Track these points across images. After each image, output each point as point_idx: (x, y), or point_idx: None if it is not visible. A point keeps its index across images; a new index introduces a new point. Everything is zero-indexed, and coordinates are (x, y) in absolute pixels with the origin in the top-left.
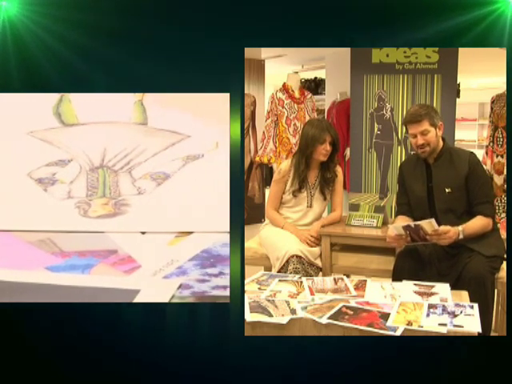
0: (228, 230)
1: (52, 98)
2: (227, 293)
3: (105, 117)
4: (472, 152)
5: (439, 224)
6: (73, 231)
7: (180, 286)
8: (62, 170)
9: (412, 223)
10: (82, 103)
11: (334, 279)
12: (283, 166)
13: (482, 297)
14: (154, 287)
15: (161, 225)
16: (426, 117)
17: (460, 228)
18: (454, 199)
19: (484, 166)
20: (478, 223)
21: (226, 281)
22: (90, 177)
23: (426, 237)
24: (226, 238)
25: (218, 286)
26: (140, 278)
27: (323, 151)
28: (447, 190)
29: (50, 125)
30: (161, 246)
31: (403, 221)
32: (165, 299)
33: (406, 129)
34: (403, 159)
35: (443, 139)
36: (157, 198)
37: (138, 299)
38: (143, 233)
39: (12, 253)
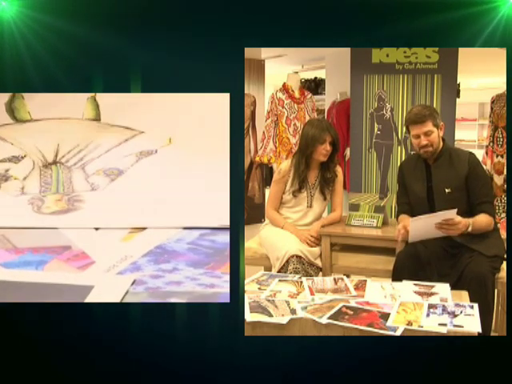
0: (181, 225)
1: (5, 94)
2: (182, 288)
3: (58, 113)
4: (471, 152)
5: None
6: (26, 227)
7: (134, 282)
8: (16, 167)
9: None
10: (35, 99)
11: (334, 279)
12: (283, 166)
13: (482, 297)
14: (107, 283)
15: (114, 221)
16: (429, 117)
17: (470, 221)
18: (453, 199)
19: (484, 166)
20: (484, 220)
21: (180, 276)
22: (44, 173)
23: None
24: (180, 233)
25: (172, 282)
26: (94, 274)
27: (323, 151)
28: (447, 191)
29: (3, 121)
30: (114, 241)
31: (407, 219)
32: (119, 295)
33: (408, 130)
34: (403, 159)
35: (443, 139)
36: (110, 193)
37: (91, 295)
38: (97, 229)
39: None
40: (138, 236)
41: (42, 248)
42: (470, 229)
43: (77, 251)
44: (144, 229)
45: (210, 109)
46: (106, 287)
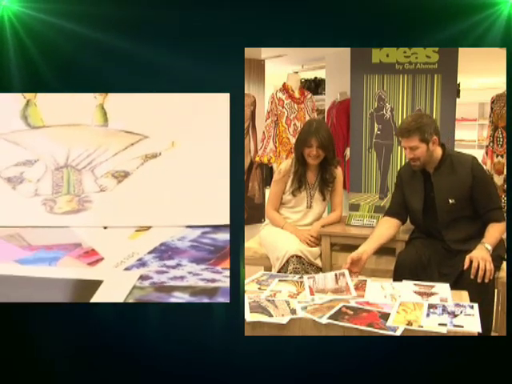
0: (184, 224)
1: (18, 100)
2: (185, 283)
3: (69, 119)
4: (474, 157)
5: (440, 233)
6: (40, 226)
7: (140, 277)
8: (29, 170)
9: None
10: (47, 106)
11: (336, 275)
12: (283, 166)
13: (482, 297)
14: (116, 278)
15: (122, 220)
16: (415, 132)
17: (488, 247)
18: (457, 209)
19: (484, 166)
20: (497, 229)
21: (183, 272)
22: (56, 176)
23: None
24: (183, 231)
25: (175, 277)
26: (103, 270)
27: (311, 155)
28: (451, 201)
29: (18, 127)
30: (122, 239)
31: (387, 223)
32: (126, 289)
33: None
34: (403, 159)
35: (443, 146)
36: (118, 194)
37: (101, 289)
38: (105, 227)
39: None
40: (144, 234)
41: (54, 245)
42: (490, 252)
43: (87, 248)
44: (149, 227)
45: (210, 109)
46: (115, 282)
